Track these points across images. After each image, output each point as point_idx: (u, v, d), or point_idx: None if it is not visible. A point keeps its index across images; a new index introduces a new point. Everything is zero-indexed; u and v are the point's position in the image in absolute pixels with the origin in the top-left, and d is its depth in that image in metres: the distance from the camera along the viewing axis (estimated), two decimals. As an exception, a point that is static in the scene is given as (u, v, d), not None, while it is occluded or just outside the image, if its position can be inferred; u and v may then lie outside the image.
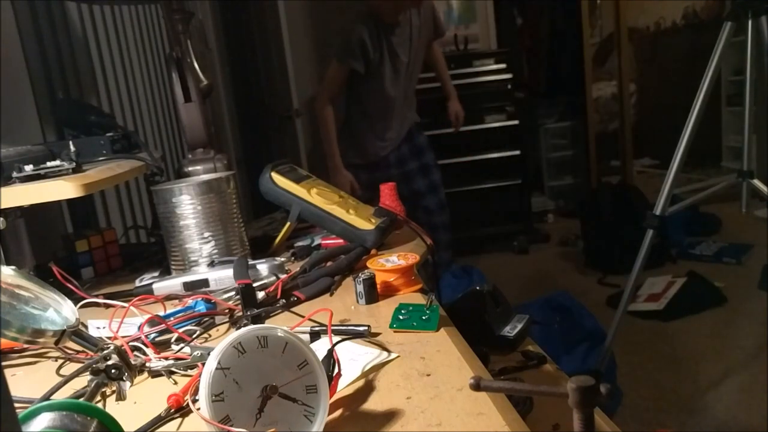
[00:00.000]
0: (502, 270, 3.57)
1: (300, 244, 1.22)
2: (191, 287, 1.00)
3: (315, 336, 0.76)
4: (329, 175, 2.49)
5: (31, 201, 0.96)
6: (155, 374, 0.71)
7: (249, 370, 0.51)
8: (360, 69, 2.43)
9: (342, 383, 0.63)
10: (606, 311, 2.70)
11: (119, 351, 0.63)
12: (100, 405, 0.61)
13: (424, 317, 0.76)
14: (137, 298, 0.92)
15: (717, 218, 3.67)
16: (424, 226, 2.64)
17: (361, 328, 0.75)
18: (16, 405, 0.40)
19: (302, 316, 0.78)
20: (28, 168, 0.99)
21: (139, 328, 0.80)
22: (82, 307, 0.92)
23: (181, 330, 0.82)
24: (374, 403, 0.60)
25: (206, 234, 1.08)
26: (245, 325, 0.78)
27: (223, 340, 0.51)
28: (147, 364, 0.72)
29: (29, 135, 1.41)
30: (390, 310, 0.79)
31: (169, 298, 0.99)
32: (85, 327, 0.83)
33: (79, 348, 0.76)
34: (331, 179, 2.45)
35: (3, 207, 0.96)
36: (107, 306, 0.98)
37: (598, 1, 4.47)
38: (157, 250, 1.29)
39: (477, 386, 0.45)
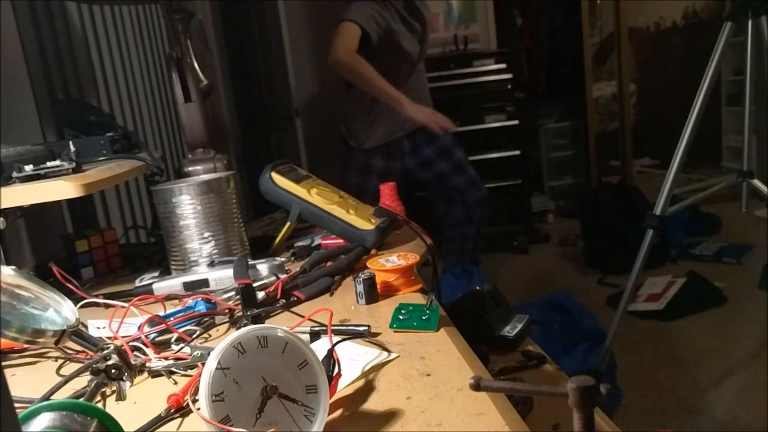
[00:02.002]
0: (502, 270, 3.57)
1: (300, 244, 1.22)
2: (191, 287, 1.00)
3: (315, 336, 0.76)
4: (405, 112, 2.20)
5: (31, 201, 0.96)
6: (155, 374, 0.71)
7: (249, 370, 0.51)
8: (373, 35, 2.20)
9: (342, 383, 0.63)
10: (606, 311, 2.70)
11: (119, 351, 0.63)
12: (100, 405, 0.61)
13: (424, 317, 0.76)
14: (137, 298, 0.92)
15: (717, 218, 3.67)
16: (458, 205, 2.56)
17: (361, 328, 0.75)
18: (16, 405, 0.40)
19: (302, 316, 0.78)
20: (28, 168, 0.99)
21: (139, 328, 0.80)
22: (82, 307, 0.92)
23: (181, 330, 0.82)
24: (374, 403, 0.60)
25: (206, 234, 1.08)
26: (245, 325, 0.78)
27: (223, 340, 0.51)
28: (147, 364, 0.72)
29: (29, 135, 1.41)
30: (390, 310, 0.79)
31: (169, 298, 0.99)
32: (85, 327, 0.83)
33: (79, 348, 0.76)
34: (409, 111, 2.21)
35: (3, 207, 0.96)
36: (107, 306, 0.98)
37: (598, 1, 4.47)
38: (157, 250, 1.29)
39: (477, 386, 0.45)
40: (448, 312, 0.82)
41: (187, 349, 0.74)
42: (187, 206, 1.07)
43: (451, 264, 2.60)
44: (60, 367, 0.79)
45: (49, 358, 0.82)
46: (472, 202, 2.59)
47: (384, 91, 2.23)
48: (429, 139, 2.52)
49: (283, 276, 0.96)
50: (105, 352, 0.63)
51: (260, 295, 0.89)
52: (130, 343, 0.75)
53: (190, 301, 0.91)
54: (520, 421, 0.55)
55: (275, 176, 1.16)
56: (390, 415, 0.56)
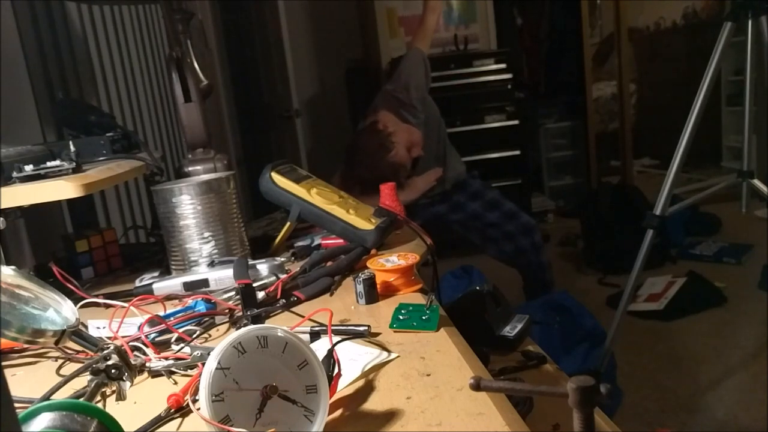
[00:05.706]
0: (502, 270, 3.56)
1: (300, 244, 1.22)
2: (191, 287, 1.00)
3: (315, 336, 0.76)
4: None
5: (31, 201, 0.96)
6: (155, 374, 0.71)
7: (249, 370, 0.51)
8: None
9: (342, 383, 0.63)
10: (606, 311, 2.70)
11: (119, 351, 0.63)
12: (100, 405, 0.61)
13: (424, 317, 0.76)
14: (137, 298, 0.92)
15: (717, 218, 3.67)
16: (503, 239, 2.58)
17: (361, 328, 0.75)
18: (16, 405, 0.40)
19: (302, 316, 0.78)
20: (28, 168, 0.99)
21: (139, 328, 0.80)
22: (82, 307, 0.92)
23: (181, 330, 0.82)
24: (374, 403, 0.60)
25: (206, 234, 1.08)
26: (245, 325, 0.78)
27: (223, 340, 0.51)
28: (147, 364, 0.72)
29: (29, 135, 1.41)
30: (390, 310, 0.79)
31: (169, 298, 0.99)
32: (85, 327, 0.83)
33: (79, 348, 0.76)
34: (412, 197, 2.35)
35: (3, 207, 0.96)
36: (107, 306, 0.98)
37: (598, 1, 4.47)
38: (157, 250, 1.29)
39: (477, 386, 0.45)
40: (448, 312, 0.82)
41: (187, 349, 0.74)
42: (187, 206, 1.07)
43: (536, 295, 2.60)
44: (60, 367, 0.79)
45: (49, 358, 0.82)
46: (513, 231, 2.57)
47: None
48: (459, 187, 2.56)
49: (283, 276, 0.96)
50: (105, 352, 0.63)
51: (260, 295, 0.89)
52: (130, 343, 0.75)
53: (190, 301, 0.91)
54: (520, 421, 0.55)
55: (275, 176, 1.16)
56: (390, 415, 0.56)
